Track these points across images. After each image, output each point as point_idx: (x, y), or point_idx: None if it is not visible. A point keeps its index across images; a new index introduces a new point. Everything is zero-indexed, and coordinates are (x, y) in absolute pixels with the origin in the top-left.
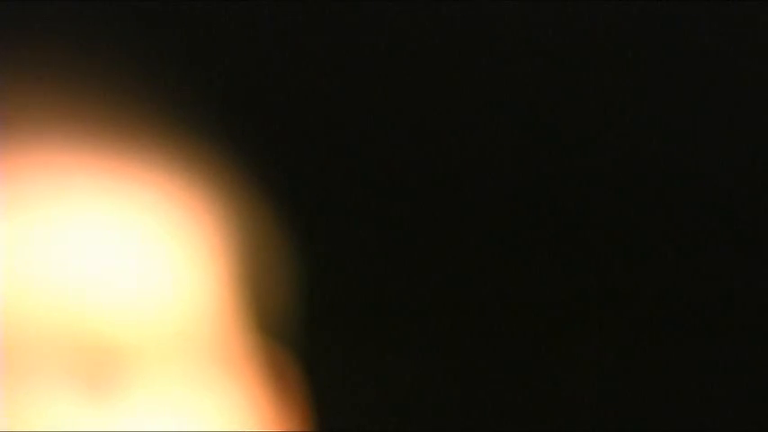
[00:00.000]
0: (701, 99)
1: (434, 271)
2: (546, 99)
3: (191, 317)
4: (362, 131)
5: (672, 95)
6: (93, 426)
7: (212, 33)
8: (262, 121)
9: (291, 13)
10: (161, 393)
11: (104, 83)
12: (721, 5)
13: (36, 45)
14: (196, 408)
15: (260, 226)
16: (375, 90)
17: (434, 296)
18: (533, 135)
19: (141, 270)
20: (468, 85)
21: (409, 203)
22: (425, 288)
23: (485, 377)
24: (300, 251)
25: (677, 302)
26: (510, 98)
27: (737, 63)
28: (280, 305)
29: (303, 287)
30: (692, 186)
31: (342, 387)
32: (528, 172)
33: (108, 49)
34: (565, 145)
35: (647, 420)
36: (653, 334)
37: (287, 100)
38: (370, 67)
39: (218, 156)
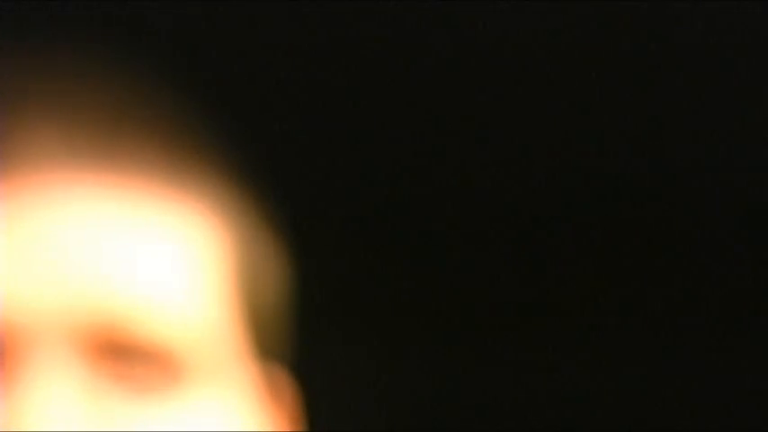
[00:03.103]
0: (701, 100)
1: (430, 273)
2: (546, 100)
3: (189, 323)
4: (360, 135)
5: (672, 97)
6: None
7: (213, 37)
8: (260, 125)
9: (293, 16)
10: (159, 400)
11: (103, 87)
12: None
13: (35, 50)
14: (193, 411)
15: (256, 232)
16: (372, 93)
17: (429, 297)
18: (533, 136)
19: (140, 276)
20: (465, 87)
21: (405, 205)
22: (420, 290)
23: (481, 377)
24: (295, 257)
25: (678, 303)
26: (509, 100)
27: (737, 63)
28: (276, 312)
29: (298, 292)
30: (690, 189)
31: (336, 389)
32: (521, 173)
33: (107, 52)
34: (566, 146)
35: (646, 420)
36: (652, 334)
37: (285, 105)
38: (365, 68)
39: (216, 163)
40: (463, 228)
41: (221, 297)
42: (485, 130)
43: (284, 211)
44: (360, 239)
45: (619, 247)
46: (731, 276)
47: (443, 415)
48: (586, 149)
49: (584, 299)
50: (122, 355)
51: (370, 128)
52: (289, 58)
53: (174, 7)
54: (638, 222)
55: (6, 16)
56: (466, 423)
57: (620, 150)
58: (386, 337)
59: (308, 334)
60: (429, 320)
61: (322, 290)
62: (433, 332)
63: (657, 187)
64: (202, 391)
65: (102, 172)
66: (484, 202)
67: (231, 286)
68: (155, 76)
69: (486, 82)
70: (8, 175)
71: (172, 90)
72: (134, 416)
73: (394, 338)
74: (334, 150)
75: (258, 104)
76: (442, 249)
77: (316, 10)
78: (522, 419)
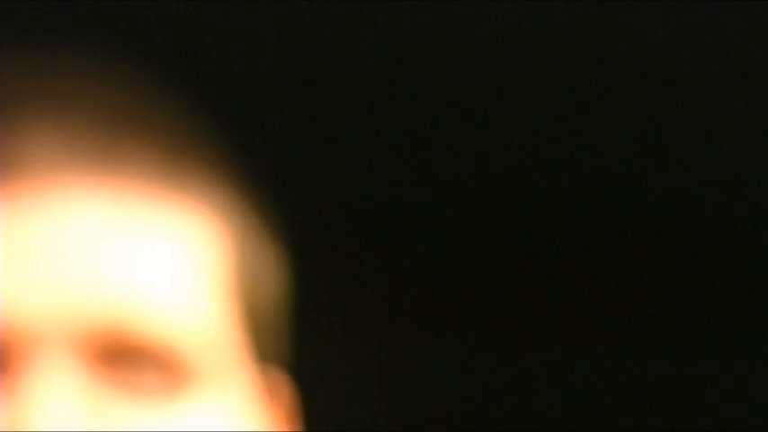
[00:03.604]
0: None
1: (429, 272)
2: (546, 102)
3: (190, 325)
4: (357, 135)
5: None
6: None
7: (212, 37)
8: (258, 126)
9: (291, 17)
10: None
11: (102, 88)
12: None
13: (34, 50)
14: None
15: (255, 232)
16: (371, 94)
17: (428, 297)
18: (532, 136)
19: (141, 278)
20: (465, 88)
21: (404, 205)
22: (419, 289)
23: (480, 376)
24: (294, 256)
25: (675, 303)
26: (508, 100)
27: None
28: (275, 312)
29: (297, 292)
30: (687, 193)
31: (335, 389)
32: (520, 173)
33: (106, 53)
34: (565, 146)
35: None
36: (649, 333)
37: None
38: (364, 69)
39: (215, 164)
40: (463, 227)
41: (221, 298)
42: (484, 130)
43: (283, 212)
44: (359, 239)
45: (618, 248)
46: (731, 276)
47: (443, 415)
48: (586, 149)
49: (583, 299)
50: (123, 357)
51: (367, 128)
52: (288, 59)
53: (172, 7)
54: (637, 222)
55: (6, 16)
56: (465, 423)
57: (619, 150)
58: (385, 337)
59: (307, 334)
60: (428, 320)
61: (321, 290)
62: (433, 332)
63: (658, 187)
64: (202, 394)
65: (100, 174)
66: (483, 202)
67: (231, 287)
68: (154, 76)
69: (486, 82)
70: (7, 178)
71: (171, 91)
72: (134, 417)
73: (393, 338)
74: (333, 151)
75: (257, 105)
76: (442, 249)
77: (315, 10)
78: (521, 419)
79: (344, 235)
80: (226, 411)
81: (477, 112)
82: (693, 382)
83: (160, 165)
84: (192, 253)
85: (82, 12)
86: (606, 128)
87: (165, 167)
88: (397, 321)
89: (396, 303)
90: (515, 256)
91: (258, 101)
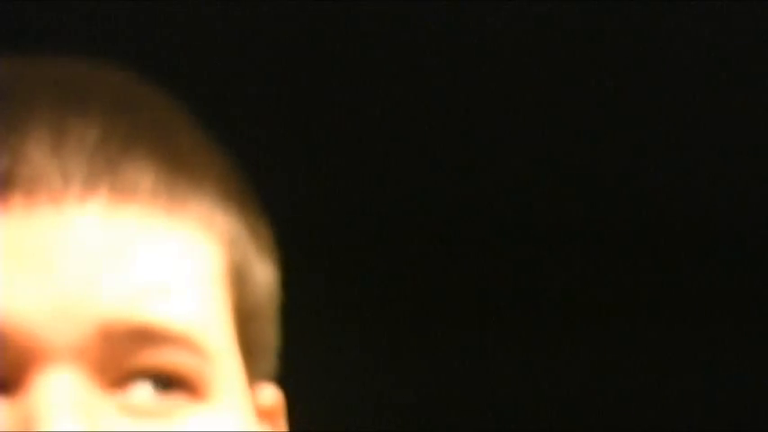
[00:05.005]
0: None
1: (426, 272)
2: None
3: (192, 332)
4: (355, 134)
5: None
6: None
7: (206, 38)
8: (254, 127)
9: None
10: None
11: (95, 91)
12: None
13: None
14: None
15: (251, 234)
16: (365, 95)
17: (425, 297)
18: (528, 134)
19: (141, 286)
20: (462, 87)
21: (401, 204)
22: (416, 289)
23: (478, 376)
24: (288, 258)
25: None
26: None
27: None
28: (269, 316)
29: (292, 293)
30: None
31: (329, 390)
32: (518, 171)
33: (98, 58)
34: (563, 145)
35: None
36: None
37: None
38: (361, 69)
39: (213, 171)
40: (460, 226)
41: (218, 302)
42: (480, 129)
43: (276, 213)
44: (356, 240)
45: (617, 247)
46: (731, 276)
47: (440, 415)
48: (584, 149)
49: (582, 298)
50: (125, 361)
51: (361, 129)
52: (286, 59)
53: (168, 9)
54: (635, 222)
55: (3, 20)
56: (463, 423)
57: (618, 150)
58: (381, 337)
59: (300, 336)
60: (423, 321)
61: (313, 292)
62: (427, 333)
63: (658, 188)
64: (203, 398)
65: (95, 182)
66: (481, 201)
67: (227, 291)
68: (151, 80)
69: (481, 82)
70: (3, 191)
71: (168, 94)
72: (135, 422)
73: (389, 338)
74: (330, 151)
75: (253, 106)
76: (440, 248)
77: (310, 14)
78: (519, 419)
79: (341, 235)
80: (224, 418)
81: (474, 111)
82: (693, 382)
83: (157, 171)
84: (191, 258)
85: (80, 16)
86: (606, 128)
87: (162, 174)
88: (395, 321)
89: (393, 303)
90: (512, 255)
91: (254, 102)
